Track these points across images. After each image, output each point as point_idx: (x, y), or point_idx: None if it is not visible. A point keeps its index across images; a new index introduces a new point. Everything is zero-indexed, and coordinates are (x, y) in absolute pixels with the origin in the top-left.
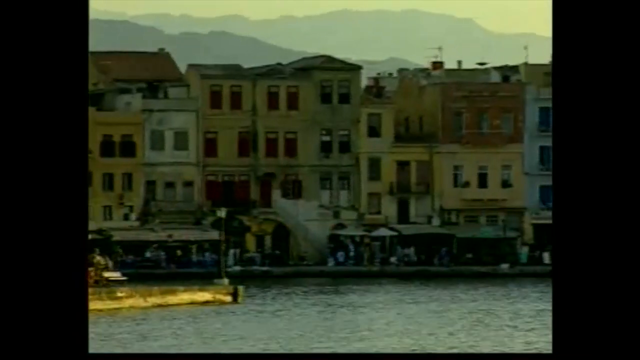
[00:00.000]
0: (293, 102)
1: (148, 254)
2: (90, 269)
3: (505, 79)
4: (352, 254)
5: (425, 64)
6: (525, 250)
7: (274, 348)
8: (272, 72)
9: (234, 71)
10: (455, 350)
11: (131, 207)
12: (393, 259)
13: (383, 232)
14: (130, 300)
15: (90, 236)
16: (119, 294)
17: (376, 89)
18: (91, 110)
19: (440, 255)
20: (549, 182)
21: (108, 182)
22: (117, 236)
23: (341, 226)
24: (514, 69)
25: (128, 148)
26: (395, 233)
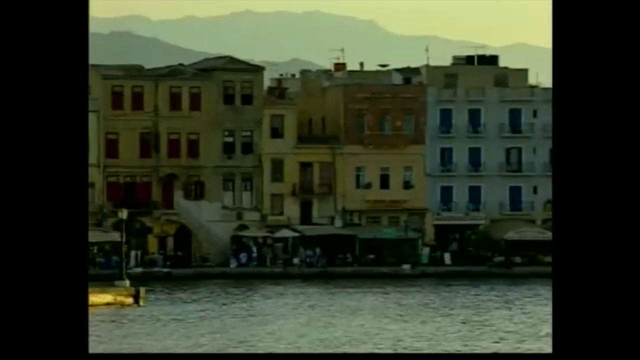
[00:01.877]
0: (195, 102)
1: None
2: None
3: (407, 80)
4: (254, 255)
5: (328, 65)
6: (426, 251)
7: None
8: (174, 72)
9: (135, 72)
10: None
11: None
12: (296, 260)
13: (286, 233)
14: None
15: None
16: None
17: (279, 90)
18: None
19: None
20: (449, 183)
21: None
22: None
23: (244, 227)
24: (416, 70)
25: None
26: (297, 234)
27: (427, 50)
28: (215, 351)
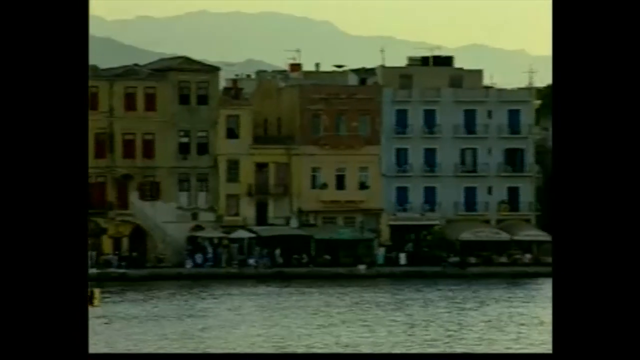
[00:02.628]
0: (151, 103)
1: None
2: None
3: (363, 81)
4: (210, 255)
5: (283, 66)
6: (382, 251)
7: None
8: (129, 72)
9: (90, 72)
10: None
11: None
12: (251, 261)
13: (241, 233)
14: None
15: None
16: None
17: (234, 91)
18: None
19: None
20: (405, 183)
21: None
22: None
23: (199, 228)
24: (371, 71)
25: None
26: (253, 235)
27: (382, 51)
28: (187, 351)
